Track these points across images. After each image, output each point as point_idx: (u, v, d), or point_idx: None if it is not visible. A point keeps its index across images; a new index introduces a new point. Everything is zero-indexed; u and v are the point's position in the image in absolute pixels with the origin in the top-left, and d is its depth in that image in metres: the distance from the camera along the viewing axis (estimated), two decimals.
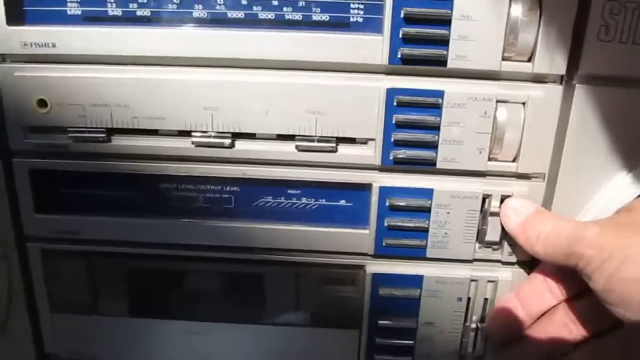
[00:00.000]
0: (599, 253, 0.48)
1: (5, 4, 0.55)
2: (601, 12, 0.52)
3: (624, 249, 0.47)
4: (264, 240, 0.63)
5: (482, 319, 0.64)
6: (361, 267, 0.63)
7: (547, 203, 0.60)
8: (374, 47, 0.55)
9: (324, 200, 0.62)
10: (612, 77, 0.54)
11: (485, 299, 0.63)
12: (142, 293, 0.67)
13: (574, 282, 0.54)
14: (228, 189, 0.63)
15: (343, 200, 0.62)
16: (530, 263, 0.62)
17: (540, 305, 0.58)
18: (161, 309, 0.68)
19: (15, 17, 0.56)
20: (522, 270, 0.62)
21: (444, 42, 0.54)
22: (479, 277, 0.62)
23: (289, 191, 0.62)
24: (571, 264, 0.51)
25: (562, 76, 0.56)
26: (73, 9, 0.57)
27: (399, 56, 0.55)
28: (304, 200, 0.62)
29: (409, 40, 0.55)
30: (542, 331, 0.57)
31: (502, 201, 0.60)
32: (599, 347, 0.54)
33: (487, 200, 0.60)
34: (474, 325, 0.63)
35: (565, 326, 0.56)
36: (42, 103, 0.58)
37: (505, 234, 0.60)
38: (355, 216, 0.62)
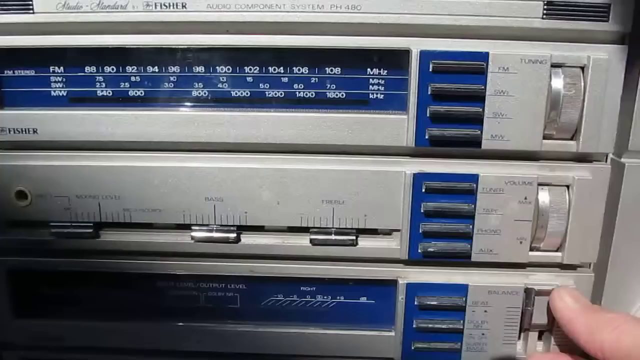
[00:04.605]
0: None
1: None
2: None
3: None
4: (274, 345, 0.56)
5: None
6: None
7: (597, 296, 0.54)
8: (398, 127, 0.49)
9: (342, 297, 0.55)
10: None
11: None
12: None
13: None
14: (233, 286, 0.56)
15: (364, 298, 0.55)
16: None
17: None
18: None
19: None
20: None
21: (477, 120, 0.48)
22: None
23: (302, 288, 0.55)
24: None
25: (607, 154, 0.51)
26: (57, 90, 0.51)
27: (426, 137, 0.49)
28: (319, 297, 0.55)
29: (437, 119, 0.49)
30: None
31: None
32: None
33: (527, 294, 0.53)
34: None
35: None
36: (22, 195, 0.52)
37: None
38: (378, 316, 0.55)
